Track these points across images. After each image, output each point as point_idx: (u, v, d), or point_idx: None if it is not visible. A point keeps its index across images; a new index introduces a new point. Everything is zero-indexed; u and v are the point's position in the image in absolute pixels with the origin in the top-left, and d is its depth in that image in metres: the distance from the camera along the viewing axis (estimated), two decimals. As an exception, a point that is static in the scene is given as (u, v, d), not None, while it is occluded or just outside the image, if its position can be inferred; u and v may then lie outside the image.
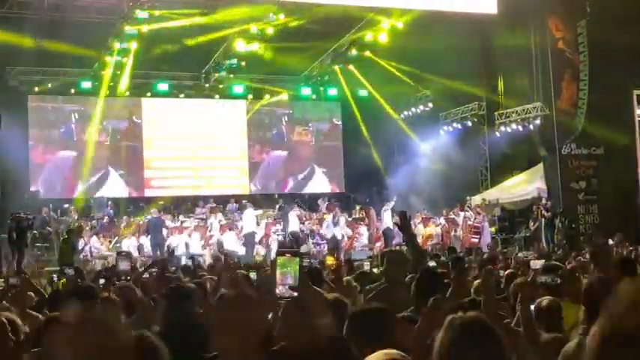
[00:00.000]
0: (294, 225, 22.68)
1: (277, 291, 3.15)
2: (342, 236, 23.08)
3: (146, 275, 9.39)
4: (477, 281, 7.26)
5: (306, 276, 3.33)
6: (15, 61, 21.82)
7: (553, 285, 6.06)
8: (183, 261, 18.65)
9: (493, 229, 23.57)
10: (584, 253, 12.96)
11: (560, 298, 5.57)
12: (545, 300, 5.22)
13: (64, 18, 20.94)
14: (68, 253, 19.01)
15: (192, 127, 27.11)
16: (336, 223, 23.11)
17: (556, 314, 5.08)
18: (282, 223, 23.35)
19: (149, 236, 21.87)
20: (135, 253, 21.14)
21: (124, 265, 7.44)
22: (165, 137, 26.84)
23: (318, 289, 5.17)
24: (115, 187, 25.94)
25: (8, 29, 18.43)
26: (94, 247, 21.30)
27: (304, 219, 24.27)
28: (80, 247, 20.87)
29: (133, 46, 22.55)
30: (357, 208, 25.74)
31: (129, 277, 7.80)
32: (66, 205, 23.35)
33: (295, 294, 3.14)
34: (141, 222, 23.11)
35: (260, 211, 23.96)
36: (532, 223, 22.73)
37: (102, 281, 9.10)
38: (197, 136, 27.17)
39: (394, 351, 2.42)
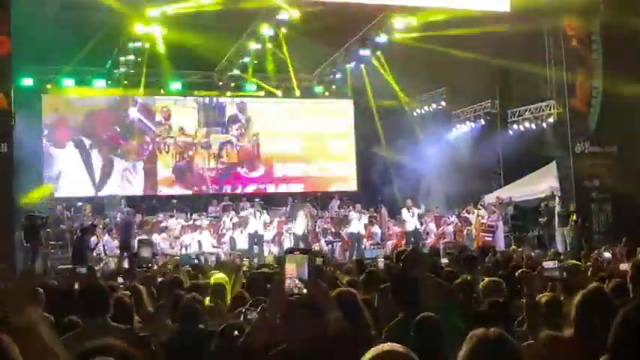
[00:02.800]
0: (300, 226, 22.70)
1: (286, 285, 3.16)
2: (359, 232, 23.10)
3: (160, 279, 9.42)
4: (486, 279, 7.26)
5: (315, 273, 3.34)
6: (29, 59, 21.91)
7: (559, 279, 6.08)
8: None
9: (506, 228, 23.50)
10: (597, 253, 12.94)
11: (567, 291, 5.57)
12: (544, 296, 5.23)
13: (77, 15, 21.04)
14: (81, 252, 19.12)
15: (204, 125, 27.20)
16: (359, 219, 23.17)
17: (555, 311, 5.06)
18: (293, 222, 23.40)
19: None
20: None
21: (146, 253, 7.38)
22: (178, 135, 26.90)
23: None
24: (128, 185, 26.03)
25: (21, 26, 18.48)
26: (107, 245, 21.39)
27: (317, 218, 24.32)
28: (93, 246, 20.97)
29: (146, 44, 22.65)
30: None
31: (150, 265, 7.76)
32: (80, 204, 23.45)
33: (305, 290, 3.15)
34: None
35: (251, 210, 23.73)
36: (544, 218, 22.69)
37: (120, 280, 9.11)
38: (209, 133, 27.24)
39: (397, 345, 2.48)
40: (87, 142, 25.70)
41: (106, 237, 21.73)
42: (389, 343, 2.45)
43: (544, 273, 6.16)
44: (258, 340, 3.21)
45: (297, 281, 3.15)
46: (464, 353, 2.63)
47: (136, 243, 19.38)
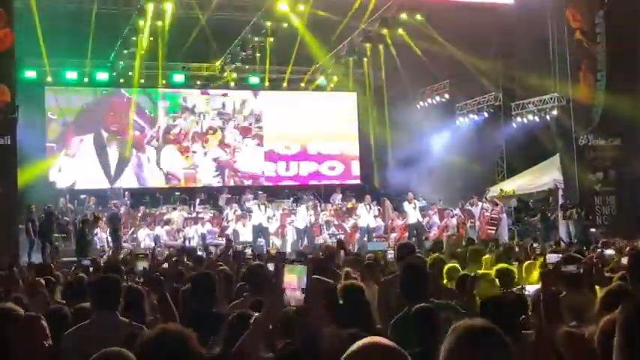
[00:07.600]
0: (302, 219, 22.64)
1: (285, 296, 3.13)
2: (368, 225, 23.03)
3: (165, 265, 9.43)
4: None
5: (316, 282, 3.29)
6: (32, 52, 21.90)
7: (575, 275, 6.03)
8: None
9: (509, 221, 23.46)
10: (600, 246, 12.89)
11: (581, 288, 5.55)
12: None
13: (80, 9, 21.03)
14: (84, 244, 19.12)
15: (206, 118, 27.21)
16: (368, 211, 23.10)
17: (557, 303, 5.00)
18: (295, 215, 23.38)
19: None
20: (151, 244, 21.27)
21: (141, 267, 7.32)
22: (181, 128, 26.90)
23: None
24: (131, 177, 26.03)
25: (24, 20, 18.51)
26: (110, 237, 21.36)
27: (319, 210, 24.28)
28: (96, 238, 20.94)
29: (149, 38, 22.66)
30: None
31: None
32: (83, 196, 23.45)
33: (302, 299, 3.12)
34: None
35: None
36: (547, 211, 22.67)
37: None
38: (211, 127, 27.24)
39: (382, 338, 2.38)
40: (91, 134, 25.71)
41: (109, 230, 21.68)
42: (374, 337, 2.36)
43: (560, 268, 6.10)
44: (252, 350, 3.15)
45: (296, 293, 3.11)
46: (449, 345, 2.41)
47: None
